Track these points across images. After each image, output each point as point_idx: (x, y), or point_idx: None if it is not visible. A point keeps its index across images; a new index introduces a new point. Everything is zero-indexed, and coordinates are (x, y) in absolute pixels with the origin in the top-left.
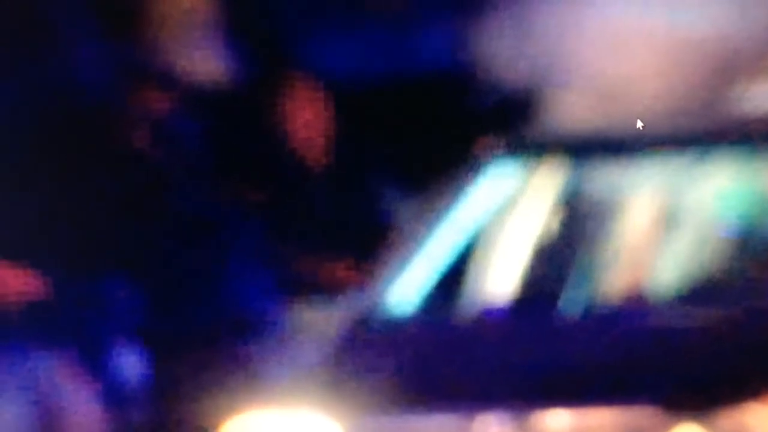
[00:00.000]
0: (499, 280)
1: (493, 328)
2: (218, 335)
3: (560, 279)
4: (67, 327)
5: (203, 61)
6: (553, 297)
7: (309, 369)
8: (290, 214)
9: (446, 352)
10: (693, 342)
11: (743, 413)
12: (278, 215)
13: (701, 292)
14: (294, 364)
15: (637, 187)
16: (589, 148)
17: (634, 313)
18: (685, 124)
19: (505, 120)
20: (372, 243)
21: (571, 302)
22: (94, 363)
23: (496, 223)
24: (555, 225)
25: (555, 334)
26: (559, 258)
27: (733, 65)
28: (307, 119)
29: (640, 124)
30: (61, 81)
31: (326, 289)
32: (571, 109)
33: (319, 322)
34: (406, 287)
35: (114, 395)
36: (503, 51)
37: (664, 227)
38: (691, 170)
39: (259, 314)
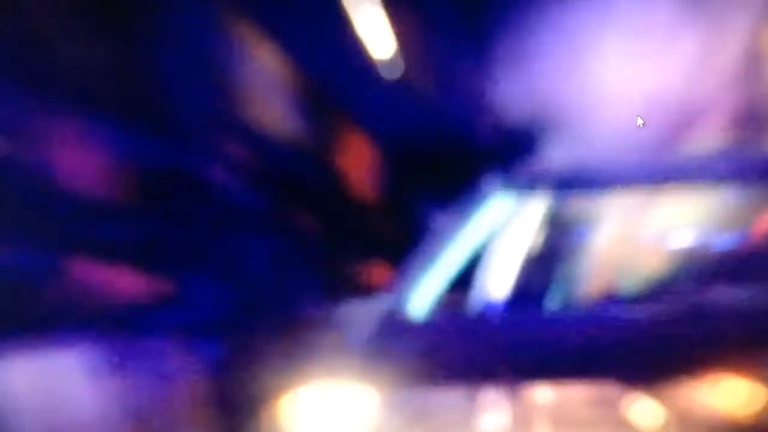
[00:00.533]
0: (498, 284)
1: (494, 320)
2: (286, 325)
3: (545, 283)
4: (168, 321)
5: (280, 117)
6: (541, 297)
7: (354, 351)
8: (341, 234)
9: (457, 339)
10: (649, 333)
11: (688, 389)
12: (332, 236)
13: (655, 294)
14: (343, 347)
15: (605, 213)
16: (568, 184)
17: (603, 309)
18: (647, 165)
19: (504, 163)
20: (402, 255)
21: (554, 301)
22: (184, 348)
23: (496, 239)
24: (541, 241)
25: (541, 326)
26: (544, 267)
27: (689, 120)
28: (358, 164)
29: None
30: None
31: (366, 290)
32: (555, 154)
33: (361, 314)
34: (427, 288)
35: (197, 374)
36: (509, 114)
37: (627, 244)
38: (648, 202)
39: (315, 308)
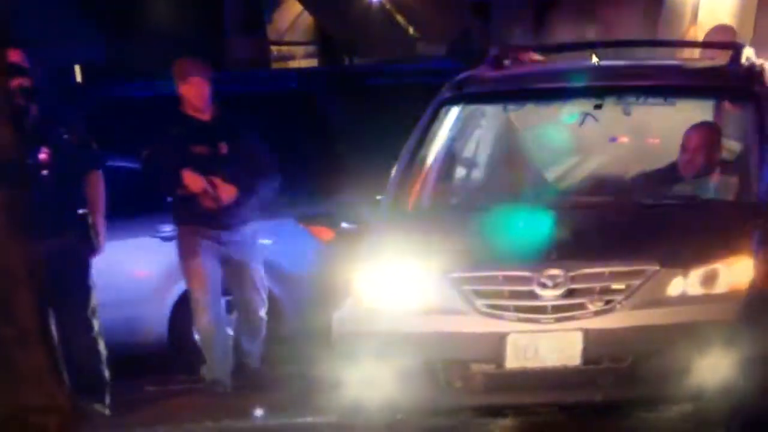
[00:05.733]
0: (470, 181)
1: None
2: None
3: (506, 181)
4: None
5: None
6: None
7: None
8: None
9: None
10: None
11: (710, 268)
12: None
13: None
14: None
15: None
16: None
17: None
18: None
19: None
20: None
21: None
22: None
23: (459, 144)
24: (500, 143)
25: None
26: (503, 166)
27: None
28: None
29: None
30: None
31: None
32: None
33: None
34: (411, 187)
35: None
36: None
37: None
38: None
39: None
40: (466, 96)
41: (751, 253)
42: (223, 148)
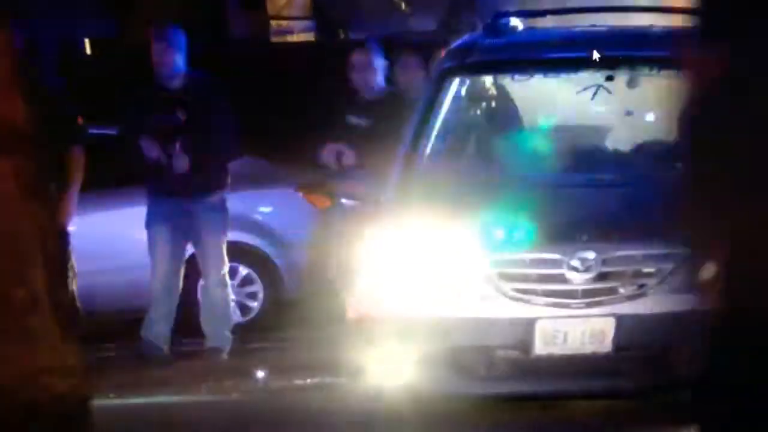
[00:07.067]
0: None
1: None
2: None
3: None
4: None
5: None
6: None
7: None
8: None
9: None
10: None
11: None
12: None
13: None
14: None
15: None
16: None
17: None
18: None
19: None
20: None
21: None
22: None
23: (460, 117)
24: (495, 117)
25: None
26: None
27: None
28: None
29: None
30: None
31: None
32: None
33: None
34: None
35: None
36: None
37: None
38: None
39: None
40: (470, 66)
41: None
42: (182, 116)
